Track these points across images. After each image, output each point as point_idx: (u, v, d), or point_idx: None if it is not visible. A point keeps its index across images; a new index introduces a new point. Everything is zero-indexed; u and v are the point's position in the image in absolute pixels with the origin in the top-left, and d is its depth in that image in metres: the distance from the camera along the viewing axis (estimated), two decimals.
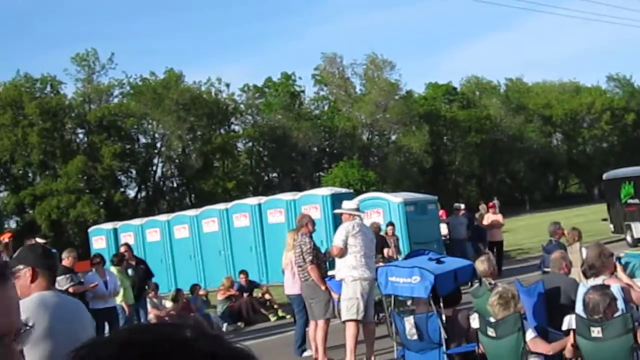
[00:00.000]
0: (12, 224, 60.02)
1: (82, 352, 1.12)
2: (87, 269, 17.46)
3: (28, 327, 1.91)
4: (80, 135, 63.04)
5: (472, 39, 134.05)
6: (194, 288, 21.84)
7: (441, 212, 28.79)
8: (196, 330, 1.13)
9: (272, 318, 20.85)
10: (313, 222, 13.83)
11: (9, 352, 1.77)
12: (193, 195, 65.00)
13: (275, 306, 21.33)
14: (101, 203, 57.82)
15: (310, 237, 13.49)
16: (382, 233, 22.04)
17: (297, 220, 14.70)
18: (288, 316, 19.72)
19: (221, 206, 30.12)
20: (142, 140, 65.35)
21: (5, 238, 19.74)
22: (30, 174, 60.94)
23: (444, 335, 9.88)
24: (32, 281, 5.60)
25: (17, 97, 57.17)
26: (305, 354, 13.91)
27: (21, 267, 5.65)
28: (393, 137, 72.93)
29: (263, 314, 20.96)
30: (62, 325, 5.41)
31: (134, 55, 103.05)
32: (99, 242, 32.12)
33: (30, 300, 5.48)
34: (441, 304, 10.04)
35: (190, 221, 30.04)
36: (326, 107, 73.87)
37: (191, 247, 29.49)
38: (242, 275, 22.17)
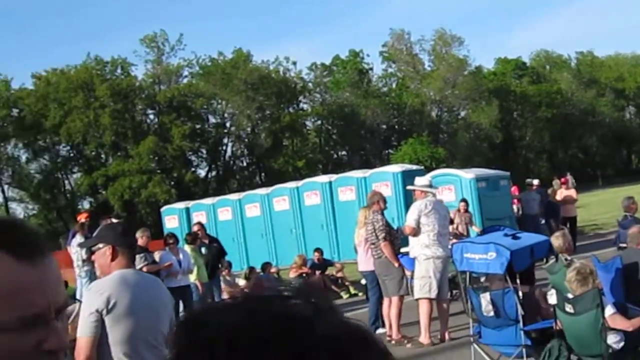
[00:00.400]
0: (86, 205, 61.02)
1: (203, 317, 1.08)
2: (161, 248, 17.65)
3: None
4: (151, 116, 63.68)
5: (542, 12, 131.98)
6: (266, 266, 21.96)
7: (513, 187, 28.50)
8: (318, 306, 1.10)
9: (345, 295, 20.85)
10: (384, 200, 13.79)
11: (50, 331, 1.75)
12: (263, 174, 65.30)
13: (347, 283, 21.35)
14: (172, 183, 58.37)
15: (382, 214, 13.45)
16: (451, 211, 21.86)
17: (368, 197, 14.65)
18: (360, 293, 19.72)
19: (292, 184, 30.19)
20: (212, 120, 65.81)
21: (82, 218, 20.07)
22: (102, 155, 61.72)
23: (520, 311, 9.77)
24: (112, 259, 5.65)
25: (88, 80, 57.89)
26: (379, 331, 13.88)
27: (101, 245, 5.71)
28: (462, 113, 72.43)
29: (335, 291, 20.96)
30: (143, 302, 5.46)
31: (203, 35, 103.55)
32: (171, 222, 32.41)
33: (111, 278, 5.54)
34: (517, 281, 9.93)
35: (261, 200, 30.16)
36: (394, 84, 73.56)
37: (262, 226, 29.63)
38: (316, 253, 22.17)
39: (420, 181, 13.48)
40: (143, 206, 57.03)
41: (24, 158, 61.80)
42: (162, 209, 35.42)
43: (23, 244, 1.79)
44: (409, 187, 14.62)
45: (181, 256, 17.00)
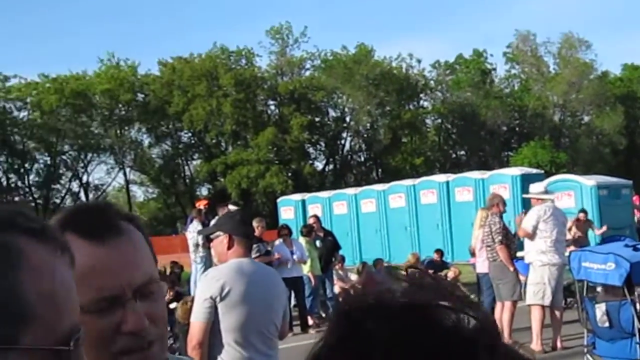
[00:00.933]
0: (204, 191, 62.00)
1: (367, 315, 1.02)
2: (274, 239, 17.78)
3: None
4: (272, 107, 64.25)
5: None
6: (378, 262, 21.90)
7: (635, 197, 27.79)
8: (484, 326, 1.03)
9: None
10: (504, 203, 13.64)
11: (128, 312, 1.74)
12: (380, 170, 65.23)
13: (460, 285, 21.15)
14: (289, 174, 58.79)
15: (501, 217, 13.30)
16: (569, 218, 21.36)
17: (487, 199, 14.52)
18: (472, 295, 19.54)
19: (409, 182, 30.08)
20: (332, 113, 65.99)
21: (200, 205, 20.39)
22: (222, 143, 62.56)
23: (637, 325, 9.53)
24: (229, 248, 5.70)
25: (213, 69, 58.75)
26: None
27: (219, 233, 5.78)
28: (586, 118, 70.85)
29: None
30: (258, 292, 5.51)
31: (326, 29, 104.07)
32: (287, 213, 32.63)
33: (228, 267, 5.60)
34: (636, 293, 9.68)
35: (377, 196, 30.14)
36: (516, 86, 72.50)
37: (377, 222, 29.61)
38: (436, 254, 22.01)
39: (535, 188, 13.26)
40: (260, 196, 57.63)
41: (146, 142, 63.18)
42: (279, 200, 35.71)
43: (95, 226, 1.79)
44: (525, 196, 14.44)
45: (294, 248, 17.10)
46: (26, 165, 60.34)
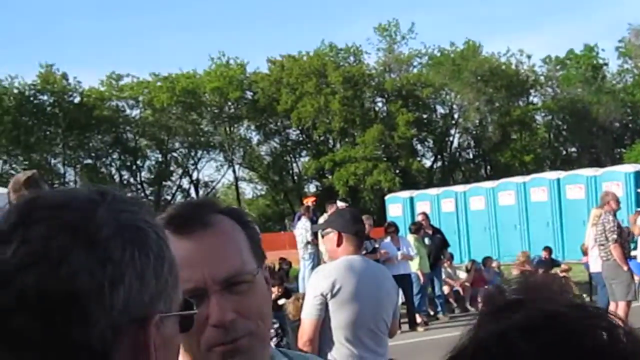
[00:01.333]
0: (312, 188, 62.28)
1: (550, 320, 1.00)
2: (382, 236, 17.75)
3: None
4: (379, 104, 64.19)
5: None
6: (487, 260, 21.68)
7: None
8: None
9: None
10: (617, 201, 13.32)
11: (210, 305, 1.75)
12: (489, 167, 64.59)
13: (572, 284, 20.78)
14: (397, 171, 58.65)
15: (614, 215, 13.00)
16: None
17: (600, 197, 14.21)
18: (585, 295, 19.17)
19: (519, 179, 29.72)
20: (440, 110, 65.60)
21: (309, 202, 20.49)
22: (330, 141, 62.77)
23: None
24: (338, 245, 5.71)
25: (321, 66, 58.98)
26: None
27: (329, 230, 5.78)
28: None
29: None
30: (368, 289, 5.49)
31: (434, 25, 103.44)
32: (395, 210, 32.56)
33: (338, 264, 5.59)
34: None
35: (486, 193, 29.84)
36: (629, 81, 70.83)
37: (486, 219, 29.29)
38: (544, 252, 21.67)
39: None
40: (367, 193, 57.66)
41: (255, 140, 63.80)
42: (387, 197, 35.68)
43: (185, 221, 1.80)
44: None
45: (401, 245, 17.05)
46: (138, 162, 61.68)
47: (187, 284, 1.71)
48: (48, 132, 58.22)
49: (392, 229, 17.49)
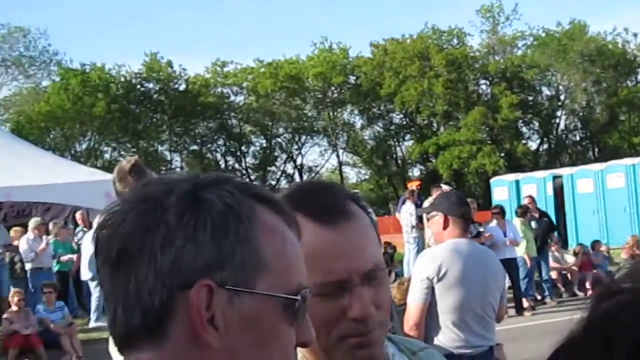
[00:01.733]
0: (416, 173, 62.07)
1: None
2: (487, 220, 17.61)
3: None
4: (483, 87, 63.51)
5: None
6: (595, 244, 21.34)
7: None
8: None
9: None
10: None
11: (353, 298, 1.73)
12: (597, 150, 63.32)
13: None
14: (502, 154, 57.99)
15: None
16: None
17: None
18: None
19: (628, 161, 29.04)
20: (546, 92, 64.52)
21: (413, 186, 20.45)
22: (434, 124, 62.40)
23: None
24: (445, 228, 5.67)
25: (424, 49, 58.62)
26: None
27: (436, 213, 5.74)
28: None
29: None
30: (475, 273, 5.44)
31: (538, 6, 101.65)
32: (501, 194, 32.19)
33: (444, 247, 5.56)
34: None
35: (594, 176, 29.23)
36: None
37: (594, 203, 28.71)
38: None
39: None
40: (472, 177, 57.15)
41: (359, 124, 63.76)
42: (492, 181, 35.30)
43: (326, 208, 1.78)
44: None
45: (507, 229, 16.88)
46: (243, 148, 62.31)
47: (330, 275, 1.73)
48: (155, 120, 59.28)
49: (498, 211, 17.33)
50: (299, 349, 1.56)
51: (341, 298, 1.73)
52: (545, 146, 65.14)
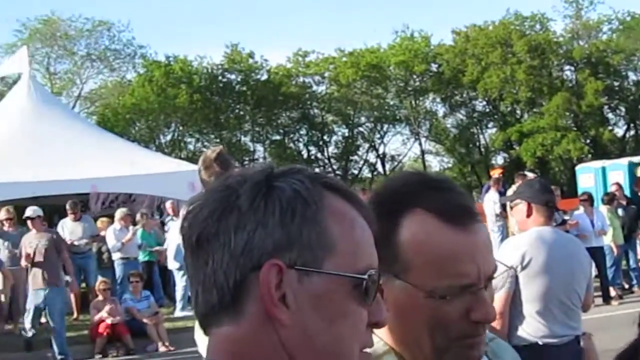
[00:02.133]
0: (499, 160, 61.49)
1: None
2: (572, 208, 17.39)
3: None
4: (567, 73, 62.55)
5: None
6: None
7: None
8: None
9: None
10: None
11: (478, 301, 1.72)
12: None
13: None
14: (587, 141, 57.12)
15: None
16: None
17: None
18: None
19: None
20: (632, 77, 63.27)
21: (496, 173, 20.30)
22: (517, 111, 61.72)
23: None
24: (528, 216, 5.61)
25: (506, 36, 57.98)
26: None
27: (519, 201, 5.69)
28: None
29: None
30: (560, 261, 5.37)
31: None
32: (586, 181, 31.63)
33: (528, 235, 5.50)
34: None
35: None
36: None
37: None
38: None
39: None
40: (556, 164, 56.44)
41: (441, 112, 63.32)
42: (577, 167, 34.73)
43: (456, 209, 1.75)
44: None
45: (594, 216, 16.64)
46: (325, 137, 62.39)
47: (462, 279, 1.73)
48: (237, 110, 59.71)
49: (585, 198, 17.09)
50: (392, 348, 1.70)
51: (464, 299, 1.73)
52: (632, 132, 63.97)
